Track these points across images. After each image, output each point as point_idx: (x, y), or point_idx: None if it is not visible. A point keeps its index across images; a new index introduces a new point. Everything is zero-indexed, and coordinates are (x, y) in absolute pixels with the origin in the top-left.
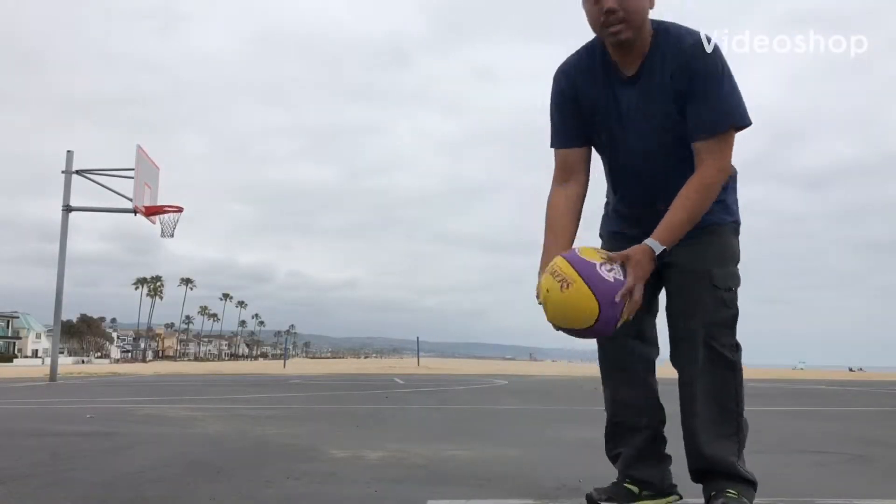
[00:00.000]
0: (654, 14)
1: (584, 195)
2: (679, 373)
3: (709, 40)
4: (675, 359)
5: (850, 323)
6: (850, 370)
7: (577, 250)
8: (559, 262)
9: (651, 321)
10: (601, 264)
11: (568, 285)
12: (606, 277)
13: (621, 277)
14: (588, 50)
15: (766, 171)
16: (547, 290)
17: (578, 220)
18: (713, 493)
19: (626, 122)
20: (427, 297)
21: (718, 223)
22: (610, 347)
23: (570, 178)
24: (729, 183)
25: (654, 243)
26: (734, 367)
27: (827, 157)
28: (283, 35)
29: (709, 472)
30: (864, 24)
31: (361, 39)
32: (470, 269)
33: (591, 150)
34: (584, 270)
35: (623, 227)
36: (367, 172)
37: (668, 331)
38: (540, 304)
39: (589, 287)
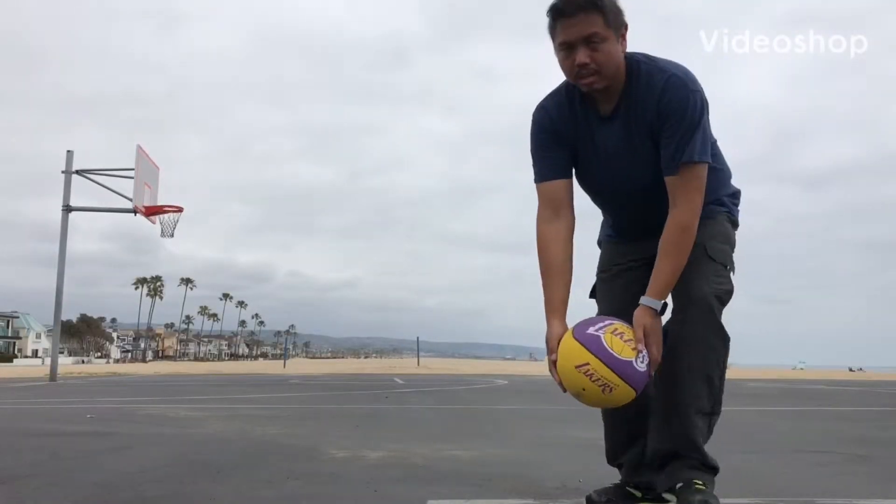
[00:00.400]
0: (640, 24)
1: (574, 228)
2: (672, 337)
3: (680, 78)
4: (674, 323)
5: (850, 323)
6: (850, 370)
7: (604, 341)
8: (595, 364)
9: None
10: (636, 359)
11: (611, 390)
12: (641, 369)
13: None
14: (566, 89)
15: (766, 171)
16: (583, 389)
17: (572, 255)
18: (680, 485)
19: (607, 159)
20: (427, 297)
21: (710, 213)
22: None
23: (558, 214)
24: (719, 176)
25: (653, 301)
26: (725, 341)
27: (827, 157)
28: (283, 35)
29: (675, 455)
30: (864, 24)
31: (361, 39)
32: (470, 269)
33: (573, 183)
34: (625, 373)
35: (621, 237)
36: (367, 172)
37: (673, 302)
38: (564, 390)
39: (631, 386)
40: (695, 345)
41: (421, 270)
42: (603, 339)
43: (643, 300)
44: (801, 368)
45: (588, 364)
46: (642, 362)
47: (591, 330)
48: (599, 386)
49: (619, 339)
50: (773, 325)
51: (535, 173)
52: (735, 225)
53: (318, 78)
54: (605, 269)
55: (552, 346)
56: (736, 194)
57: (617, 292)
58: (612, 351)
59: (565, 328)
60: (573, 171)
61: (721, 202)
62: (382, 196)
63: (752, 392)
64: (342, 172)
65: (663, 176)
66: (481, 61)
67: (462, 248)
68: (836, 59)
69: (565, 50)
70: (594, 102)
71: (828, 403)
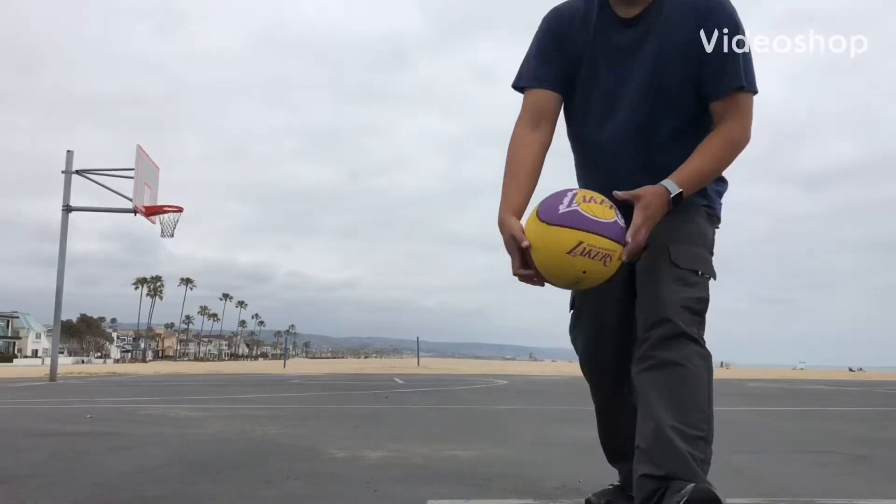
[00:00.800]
0: None
1: (548, 148)
2: (635, 362)
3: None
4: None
5: (850, 323)
6: (850, 370)
7: (584, 212)
8: (590, 240)
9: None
10: (618, 218)
11: (611, 258)
12: (622, 224)
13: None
14: None
15: (766, 171)
16: (583, 272)
17: (541, 168)
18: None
19: (618, 72)
20: (427, 297)
21: (683, 206)
22: (602, 394)
23: (538, 126)
24: None
25: (671, 184)
26: (707, 360)
27: (827, 157)
28: (283, 35)
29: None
30: (864, 24)
31: (362, 39)
32: (470, 269)
33: (562, 102)
34: (617, 235)
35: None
36: (367, 172)
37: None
38: (542, 284)
39: (621, 244)
40: (671, 373)
41: (421, 270)
42: (582, 211)
43: (664, 181)
44: (801, 368)
45: (582, 243)
46: (621, 220)
47: (563, 209)
48: (600, 259)
49: (595, 204)
50: (773, 325)
51: (525, 76)
52: (715, 221)
53: (319, 78)
54: None
55: (518, 235)
56: (722, 183)
57: (609, 288)
58: (597, 218)
59: (515, 221)
60: (566, 95)
61: (701, 191)
62: (382, 196)
63: (752, 392)
64: (342, 172)
65: (710, 99)
66: (482, 61)
67: (462, 248)
68: (836, 59)
69: None
70: (612, 6)
71: (828, 403)
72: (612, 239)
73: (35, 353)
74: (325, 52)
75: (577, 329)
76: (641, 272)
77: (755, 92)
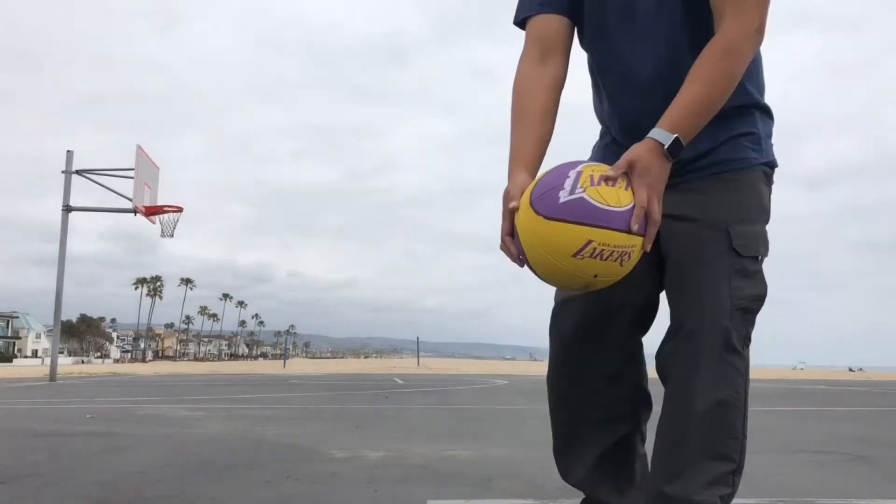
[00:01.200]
0: None
1: (563, 82)
2: (665, 377)
3: None
4: (665, 357)
5: (850, 323)
6: (850, 370)
7: (591, 199)
8: (602, 236)
9: (639, 343)
10: (630, 206)
11: (629, 256)
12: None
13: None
14: None
15: None
16: (595, 276)
17: (556, 109)
18: None
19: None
20: (427, 297)
21: (741, 164)
22: (572, 406)
23: (546, 58)
24: (758, 103)
25: (661, 133)
26: (745, 375)
27: (827, 156)
28: (283, 35)
29: None
30: (864, 24)
31: (361, 39)
32: (470, 269)
33: (573, 28)
34: (634, 226)
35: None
36: (367, 172)
37: (670, 317)
38: (522, 265)
39: (641, 239)
40: (706, 403)
41: (421, 270)
42: (590, 199)
43: (652, 131)
44: (801, 368)
45: (591, 242)
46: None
47: (564, 196)
48: (616, 259)
49: (606, 186)
50: (773, 325)
51: (524, 4)
52: (771, 180)
53: (318, 78)
54: None
55: (511, 191)
56: (769, 121)
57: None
58: (610, 207)
59: (526, 176)
60: (576, 17)
61: (758, 143)
62: (382, 196)
63: (752, 392)
64: (342, 172)
65: None
66: (482, 60)
67: (462, 248)
68: (836, 59)
69: None
70: None
71: (828, 403)
72: (630, 233)
73: (35, 353)
74: (325, 51)
75: (563, 315)
76: (685, 256)
77: None
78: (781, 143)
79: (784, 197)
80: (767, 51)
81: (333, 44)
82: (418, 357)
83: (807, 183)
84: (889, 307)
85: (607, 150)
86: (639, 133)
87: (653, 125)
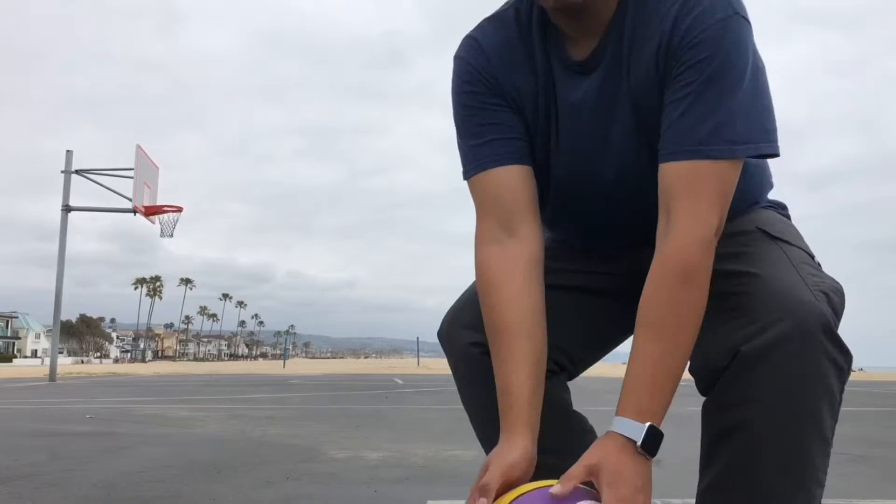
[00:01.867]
0: None
1: (542, 257)
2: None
3: (726, 17)
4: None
5: (851, 323)
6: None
7: None
8: None
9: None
10: None
11: None
12: None
13: None
14: (515, 12)
15: None
16: None
17: (544, 307)
18: None
19: (573, 132)
20: (427, 297)
21: (749, 209)
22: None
23: (512, 229)
24: (757, 179)
25: (628, 424)
26: (843, 381)
27: (827, 157)
28: (283, 34)
29: None
30: (864, 24)
31: (361, 38)
32: (470, 269)
33: (532, 173)
34: None
35: (585, 243)
36: (367, 172)
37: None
38: None
39: None
40: (797, 417)
41: (421, 270)
42: None
43: (613, 423)
44: None
45: None
46: None
47: None
48: None
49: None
50: None
51: (466, 160)
52: (787, 216)
53: (318, 77)
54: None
55: (491, 487)
56: (767, 181)
57: (559, 311)
58: None
59: (533, 452)
60: (530, 155)
61: (764, 199)
62: (382, 196)
63: None
64: (342, 172)
65: (660, 165)
66: None
67: (462, 248)
68: (836, 59)
69: None
70: (560, 39)
71: None
72: None
73: (34, 354)
74: (325, 50)
75: None
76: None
77: (765, 154)
78: (782, 143)
79: (784, 197)
80: (768, 51)
81: (334, 43)
82: (418, 357)
83: (807, 183)
84: (889, 307)
85: (558, 244)
86: (602, 235)
87: (619, 228)
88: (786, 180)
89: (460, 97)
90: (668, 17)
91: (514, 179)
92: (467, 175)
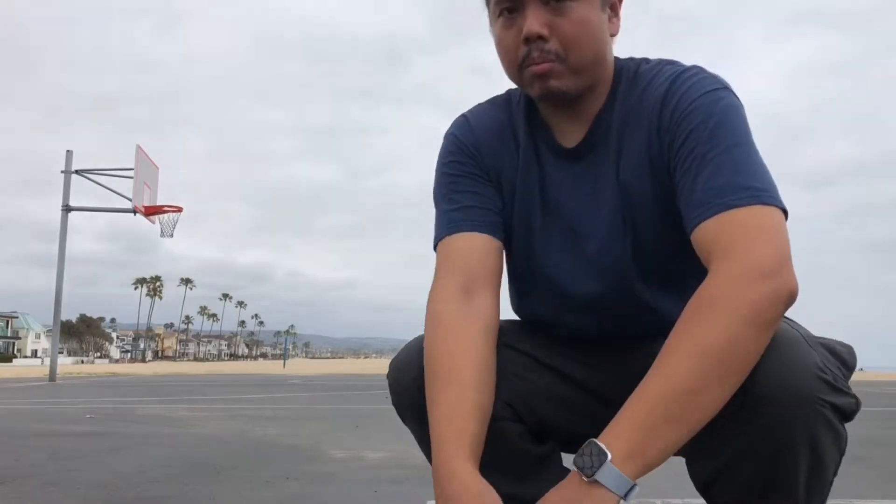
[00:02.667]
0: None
1: (496, 329)
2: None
3: (698, 72)
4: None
5: (851, 323)
6: None
7: None
8: None
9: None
10: None
11: None
12: None
13: None
14: (506, 101)
15: None
16: None
17: (494, 371)
18: None
19: (557, 216)
20: (427, 297)
21: None
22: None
23: (472, 296)
24: None
25: (613, 475)
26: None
27: (827, 156)
28: (282, 33)
29: None
30: (865, 24)
31: (361, 38)
32: None
33: (502, 254)
34: None
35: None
36: (366, 171)
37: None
38: None
39: None
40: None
41: (421, 270)
42: None
43: (590, 443)
44: None
45: None
46: None
47: None
48: None
49: None
50: None
51: (439, 225)
52: None
53: (318, 77)
54: (513, 342)
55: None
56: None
57: (527, 385)
58: None
59: (481, 480)
60: (503, 232)
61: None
62: (382, 196)
63: None
64: (342, 172)
65: (690, 231)
66: (482, 58)
67: None
68: (836, 59)
69: (506, 16)
70: (549, 127)
71: None
72: None
73: (34, 354)
74: (325, 50)
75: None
76: None
77: (773, 204)
78: (782, 142)
79: (784, 197)
80: (769, 50)
81: (333, 42)
82: None
83: (807, 183)
84: (889, 307)
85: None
86: (575, 317)
87: (602, 333)
88: (786, 180)
89: (444, 167)
90: (657, 101)
91: (484, 247)
92: (439, 238)
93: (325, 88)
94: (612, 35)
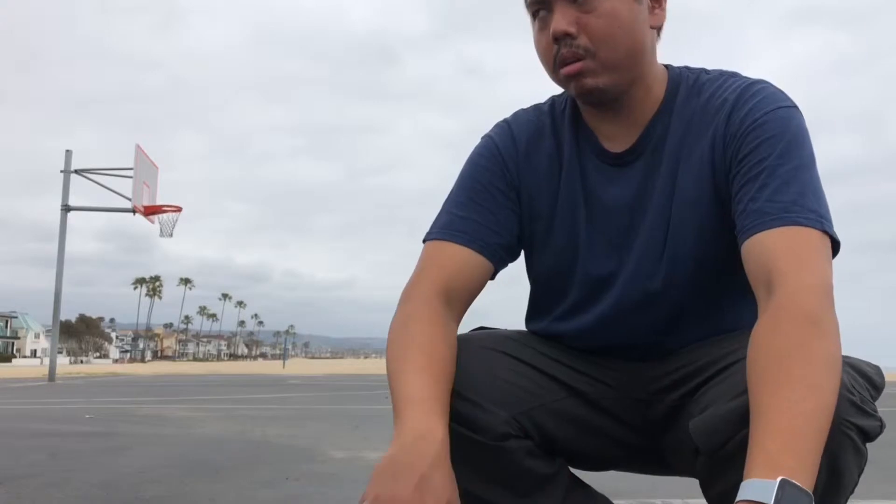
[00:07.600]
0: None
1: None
2: None
3: (768, 87)
4: None
5: (851, 323)
6: None
7: None
8: None
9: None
10: None
11: None
12: None
13: None
14: (549, 106)
15: None
16: None
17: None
18: None
19: (601, 225)
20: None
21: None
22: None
23: (451, 313)
24: None
25: (757, 485)
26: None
27: (828, 156)
28: (282, 32)
29: None
30: (867, 23)
31: (361, 37)
32: None
33: (489, 277)
34: None
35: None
36: (366, 171)
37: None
38: None
39: None
40: None
41: None
42: None
43: (740, 490)
44: None
45: None
46: None
47: None
48: None
49: None
50: None
51: (438, 222)
52: None
53: (318, 76)
54: (521, 354)
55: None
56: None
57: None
58: None
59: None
60: (509, 260)
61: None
62: (382, 195)
63: None
64: (342, 172)
65: (743, 239)
66: (482, 57)
67: None
68: (839, 58)
69: (540, 18)
70: (594, 132)
71: None
72: None
73: (34, 353)
74: (325, 48)
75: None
76: None
77: (825, 231)
78: None
79: None
80: (771, 49)
81: (333, 41)
82: None
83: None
84: (889, 307)
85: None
86: (623, 351)
87: (631, 345)
88: None
89: (472, 168)
90: (724, 110)
91: (477, 269)
92: (437, 237)
93: (326, 86)
94: (655, 27)
